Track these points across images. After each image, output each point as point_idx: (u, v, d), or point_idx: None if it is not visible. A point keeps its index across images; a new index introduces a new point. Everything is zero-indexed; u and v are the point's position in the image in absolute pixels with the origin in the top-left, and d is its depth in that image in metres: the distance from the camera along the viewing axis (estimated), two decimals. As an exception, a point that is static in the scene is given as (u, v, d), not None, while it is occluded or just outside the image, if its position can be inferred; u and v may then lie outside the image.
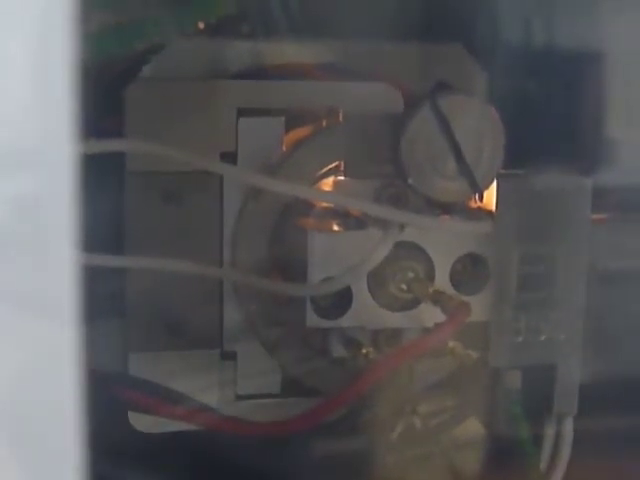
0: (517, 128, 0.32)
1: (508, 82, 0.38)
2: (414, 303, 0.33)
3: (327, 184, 0.35)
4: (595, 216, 0.34)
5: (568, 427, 0.34)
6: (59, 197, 0.15)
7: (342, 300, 0.32)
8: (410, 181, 0.31)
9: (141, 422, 0.34)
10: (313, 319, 0.32)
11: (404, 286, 0.32)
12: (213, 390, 0.35)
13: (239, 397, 0.36)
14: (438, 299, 0.31)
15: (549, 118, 0.39)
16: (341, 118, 0.35)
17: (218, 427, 0.32)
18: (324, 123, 0.35)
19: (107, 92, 0.35)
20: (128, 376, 0.34)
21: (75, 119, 0.14)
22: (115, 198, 0.34)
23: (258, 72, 0.36)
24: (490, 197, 0.33)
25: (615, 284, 0.38)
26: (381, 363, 0.31)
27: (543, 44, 0.40)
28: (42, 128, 0.14)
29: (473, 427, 0.31)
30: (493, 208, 0.33)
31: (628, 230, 0.39)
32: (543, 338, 0.33)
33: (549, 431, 0.34)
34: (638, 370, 0.38)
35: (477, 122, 0.31)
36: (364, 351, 0.32)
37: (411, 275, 0.32)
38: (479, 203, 0.33)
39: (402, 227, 0.32)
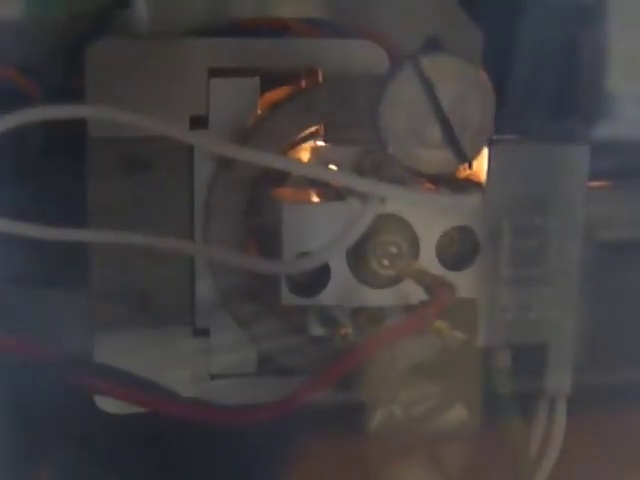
0: (510, 89, 0.30)
1: (502, 39, 0.36)
2: (397, 280, 0.31)
3: (305, 150, 0.33)
4: (593, 183, 0.32)
5: (561, 409, 0.32)
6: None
7: (319, 277, 0.30)
8: (390, 150, 0.28)
9: (108, 404, 0.32)
10: (288, 297, 0.30)
11: (386, 262, 0.30)
12: (185, 368, 0.33)
13: (213, 376, 0.34)
14: (421, 278, 0.29)
15: (544, 78, 0.37)
16: (321, 79, 0.33)
17: (187, 414, 0.30)
18: (303, 84, 0.33)
19: (74, 51, 0.33)
20: (92, 362, 0.32)
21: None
22: (77, 166, 0.32)
23: (231, 28, 0.34)
24: (480, 166, 0.31)
25: (614, 255, 0.36)
26: (360, 347, 0.29)
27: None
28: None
29: (459, 414, 0.30)
30: (483, 178, 0.31)
31: (628, 196, 0.37)
32: (534, 316, 0.31)
33: (541, 414, 0.32)
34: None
35: (465, 85, 0.28)
36: (343, 331, 0.30)
37: (394, 250, 0.30)
38: (468, 171, 0.31)
39: (384, 198, 0.30)
